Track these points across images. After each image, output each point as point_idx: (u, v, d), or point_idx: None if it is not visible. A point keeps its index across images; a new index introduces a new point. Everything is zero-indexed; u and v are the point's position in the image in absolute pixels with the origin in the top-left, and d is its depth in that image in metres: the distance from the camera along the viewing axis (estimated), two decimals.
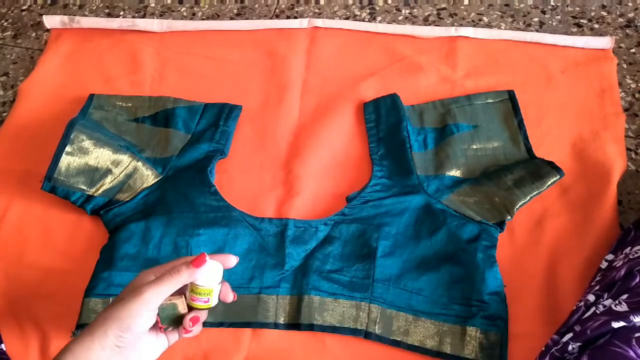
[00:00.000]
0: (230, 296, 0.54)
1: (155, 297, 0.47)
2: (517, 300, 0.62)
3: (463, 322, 0.59)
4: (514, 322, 0.60)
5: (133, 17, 0.95)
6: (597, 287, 0.57)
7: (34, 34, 0.95)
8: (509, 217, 0.65)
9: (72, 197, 0.67)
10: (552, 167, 0.66)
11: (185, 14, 0.95)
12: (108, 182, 0.69)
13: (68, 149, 0.67)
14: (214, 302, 0.51)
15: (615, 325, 0.50)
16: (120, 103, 0.79)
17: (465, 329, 0.59)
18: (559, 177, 0.66)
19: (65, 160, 0.67)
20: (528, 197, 0.65)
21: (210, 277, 0.51)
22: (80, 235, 0.70)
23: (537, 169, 0.67)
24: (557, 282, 0.63)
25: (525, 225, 0.67)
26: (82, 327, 0.61)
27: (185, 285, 0.51)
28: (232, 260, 0.53)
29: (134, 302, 0.47)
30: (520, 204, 0.65)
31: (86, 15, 0.95)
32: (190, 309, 0.51)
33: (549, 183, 0.66)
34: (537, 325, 0.61)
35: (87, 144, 0.68)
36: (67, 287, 0.66)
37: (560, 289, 0.62)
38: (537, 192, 0.65)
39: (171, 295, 0.49)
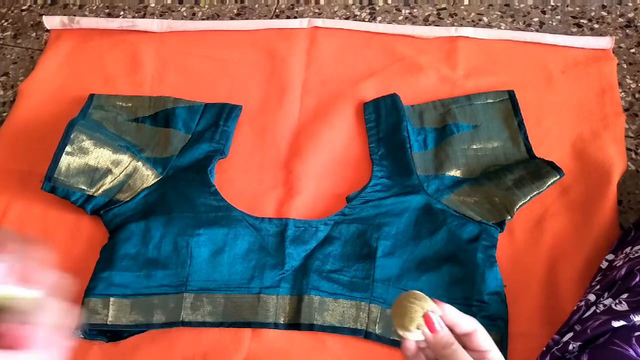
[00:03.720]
0: None
1: None
2: (517, 300, 0.62)
3: None
4: (514, 322, 0.60)
5: (133, 17, 0.95)
6: (598, 287, 0.57)
7: (34, 34, 0.95)
8: (509, 217, 0.65)
9: (72, 197, 0.67)
10: (552, 167, 0.66)
11: (185, 14, 0.95)
12: (108, 182, 0.69)
13: (68, 149, 0.67)
14: None
15: (616, 324, 0.50)
16: (120, 103, 0.78)
17: None
18: (559, 177, 0.66)
19: (65, 160, 0.66)
20: (528, 197, 0.65)
21: None
22: (80, 235, 0.70)
23: (537, 169, 0.67)
24: (557, 282, 0.63)
25: (525, 225, 0.67)
26: (82, 327, 0.61)
27: None
28: None
29: None
30: (520, 204, 0.65)
31: (86, 16, 0.95)
32: None
33: (549, 183, 0.66)
34: (537, 325, 0.60)
35: (87, 144, 0.68)
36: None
37: (560, 289, 0.62)
38: (537, 192, 0.65)
39: None
